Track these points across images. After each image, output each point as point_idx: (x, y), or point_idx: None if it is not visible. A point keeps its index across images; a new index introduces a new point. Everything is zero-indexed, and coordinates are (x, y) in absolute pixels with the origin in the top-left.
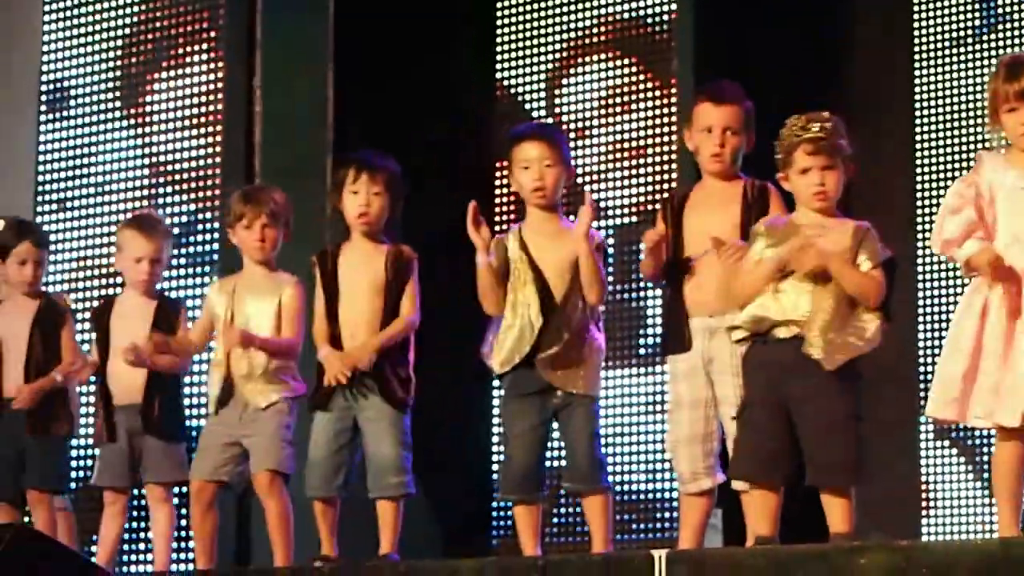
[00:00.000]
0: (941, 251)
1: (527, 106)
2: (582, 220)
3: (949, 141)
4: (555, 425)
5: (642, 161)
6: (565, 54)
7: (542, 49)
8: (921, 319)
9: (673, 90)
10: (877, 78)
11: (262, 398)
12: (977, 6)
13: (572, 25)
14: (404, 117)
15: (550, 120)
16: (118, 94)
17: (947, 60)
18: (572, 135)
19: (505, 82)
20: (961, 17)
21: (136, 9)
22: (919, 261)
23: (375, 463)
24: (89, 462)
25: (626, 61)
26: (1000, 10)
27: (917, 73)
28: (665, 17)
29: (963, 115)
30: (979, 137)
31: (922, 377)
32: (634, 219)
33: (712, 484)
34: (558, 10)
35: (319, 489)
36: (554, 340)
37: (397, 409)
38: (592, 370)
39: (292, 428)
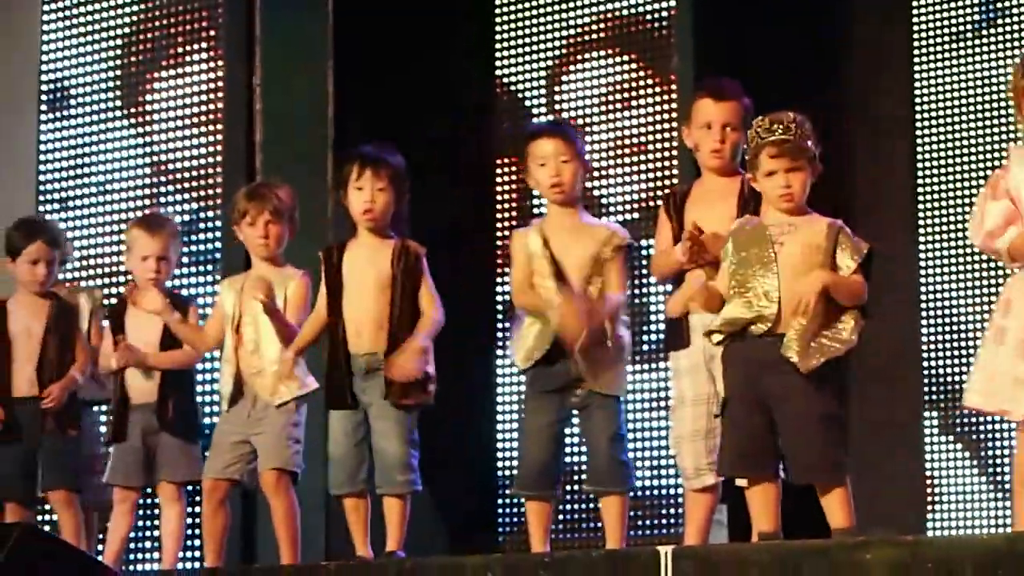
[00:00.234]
0: (983, 243)
1: (527, 103)
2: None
3: (948, 138)
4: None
5: (642, 157)
6: (565, 51)
7: (542, 46)
8: (924, 316)
9: (673, 87)
10: (876, 75)
11: (273, 394)
12: (975, 2)
13: (572, 22)
14: (404, 114)
15: (550, 117)
16: (118, 93)
17: (946, 56)
18: None
19: (505, 79)
20: (959, 13)
21: (136, 8)
22: (920, 257)
23: (382, 460)
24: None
25: (626, 58)
26: (998, 6)
27: (916, 69)
28: (665, 14)
29: (962, 111)
30: (979, 133)
31: (925, 373)
32: (635, 215)
33: (715, 480)
34: (558, 7)
35: (344, 486)
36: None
37: (397, 407)
38: (614, 369)
39: (301, 425)
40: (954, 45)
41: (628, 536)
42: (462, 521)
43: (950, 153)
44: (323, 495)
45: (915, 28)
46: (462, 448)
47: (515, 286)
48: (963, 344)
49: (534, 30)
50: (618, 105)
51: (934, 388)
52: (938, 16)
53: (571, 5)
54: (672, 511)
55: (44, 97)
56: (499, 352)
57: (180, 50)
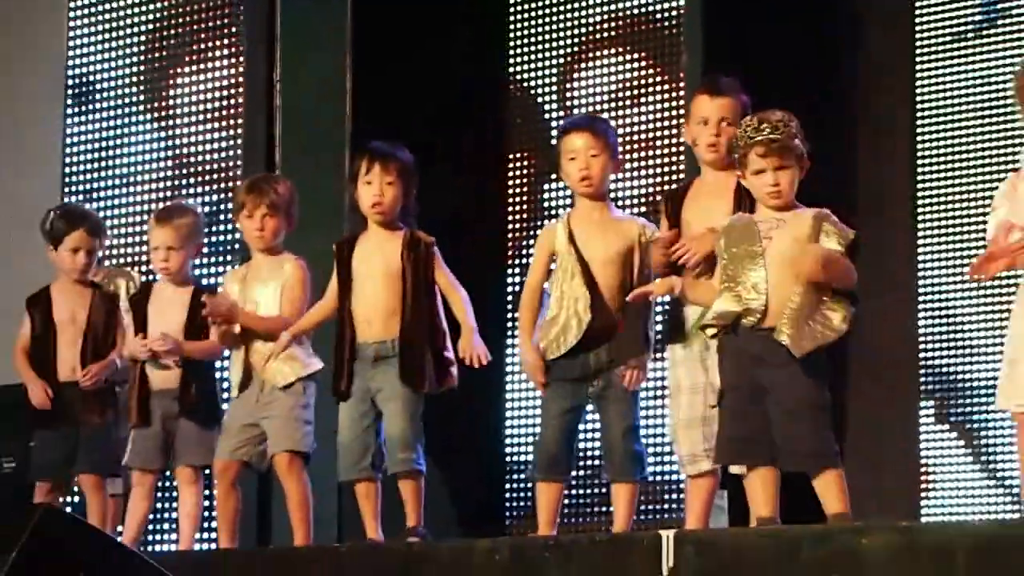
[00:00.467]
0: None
1: (539, 99)
2: None
3: (948, 136)
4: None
5: (651, 153)
6: (576, 49)
7: (554, 44)
8: (920, 308)
9: (682, 84)
10: (878, 73)
11: (280, 377)
12: (977, 1)
13: (583, 20)
14: (420, 109)
15: (561, 113)
16: (142, 88)
17: (947, 55)
18: None
19: (518, 76)
20: (961, 12)
21: (159, 6)
22: (920, 251)
23: (389, 441)
24: None
25: (635, 56)
26: (999, 6)
27: (917, 68)
28: (674, 13)
29: (964, 110)
30: (981, 132)
31: (922, 364)
32: (643, 210)
33: (711, 466)
34: (569, 5)
35: (350, 472)
36: (602, 335)
37: (412, 389)
38: (635, 363)
39: (311, 407)
40: (955, 45)
41: (633, 522)
42: (471, 507)
43: (949, 150)
44: (336, 480)
45: (917, 27)
46: (471, 436)
47: (526, 286)
48: (958, 336)
49: (546, 28)
50: (628, 102)
51: (930, 378)
52: (940, 16)
53: (582, 3)
54: (674, 496)
55: (70, 92)
56: (508, 342)
57: (202, 47)
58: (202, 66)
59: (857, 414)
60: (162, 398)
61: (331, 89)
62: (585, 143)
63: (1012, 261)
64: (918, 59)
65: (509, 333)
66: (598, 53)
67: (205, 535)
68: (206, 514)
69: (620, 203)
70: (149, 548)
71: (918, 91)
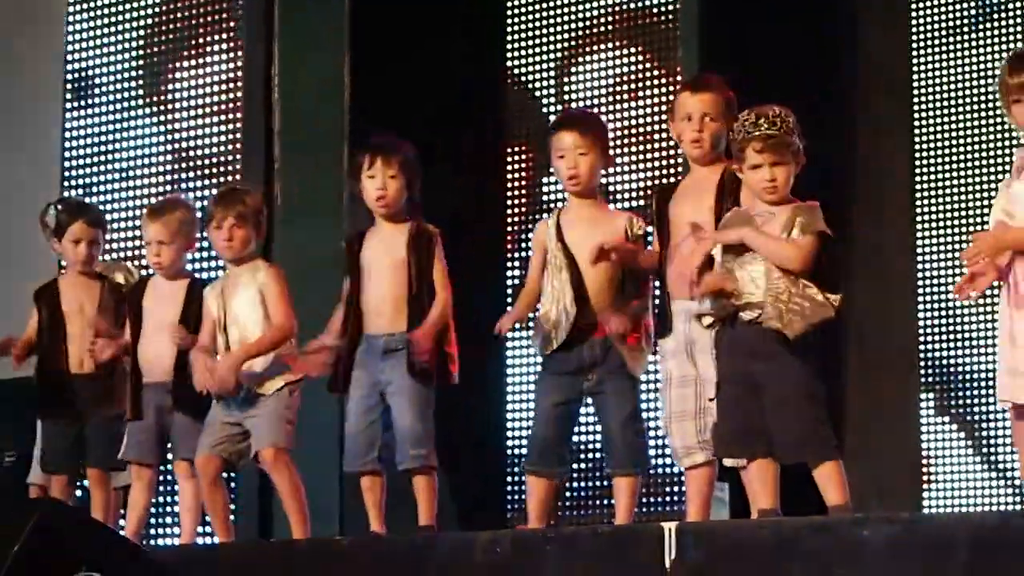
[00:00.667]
0: None
1: (537, 94)
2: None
3: (945, 130)
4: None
5: (649, 147)
6: (574, 43)
7: (552, 38)
8: (921, 302)
9: (678, 78)
10: (876, 68)
11: (267, 385)
12: None
13: (581, 15)
14: (418, 104)
15: (559, 107)
16: (141, 83)
17: (944, 50)
18: None
19: (516, 70)
20: (957, 8)
21: (158, 1)
22: (918, 247)
23: (399, 436)
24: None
25: (633, 50)
26: (994, 2)
27: (914, 63)
28: (670, 7)
29: (961, 104)
30: (978, 126)
31: (922, 357)
32: (641, 203)
33: (705, 458)
34: (567, 0)
35: (354, 464)
36: (593, 329)
37: (420, 383)
38: (636, 349)
39: (295, 408)
40: (952, 39)
41: (635, 514)
42: (472, 501)
43: (948, 145)
44: (338, 474)
45: (914, 23)
46: (473, 430)
47: (526, 280)
48: (959, 329)
49: (544, 23)
50: (625, 96)
51: (930, 371)
52: (937, 11)
53: None
54: (676, 489)
55: (69, 86)
56: (509, 335)
57: (200, 41)
58: (201, 60)
59: (858, 407)
60: (156, 391)
61: (329, 84)
62: (573, 141)
63: (996, 276)
64: (915, 54)
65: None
66: (596, 48)
67: (208, 528)
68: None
69: (618, 196)
70: (153, 542)
71: (916, 86)
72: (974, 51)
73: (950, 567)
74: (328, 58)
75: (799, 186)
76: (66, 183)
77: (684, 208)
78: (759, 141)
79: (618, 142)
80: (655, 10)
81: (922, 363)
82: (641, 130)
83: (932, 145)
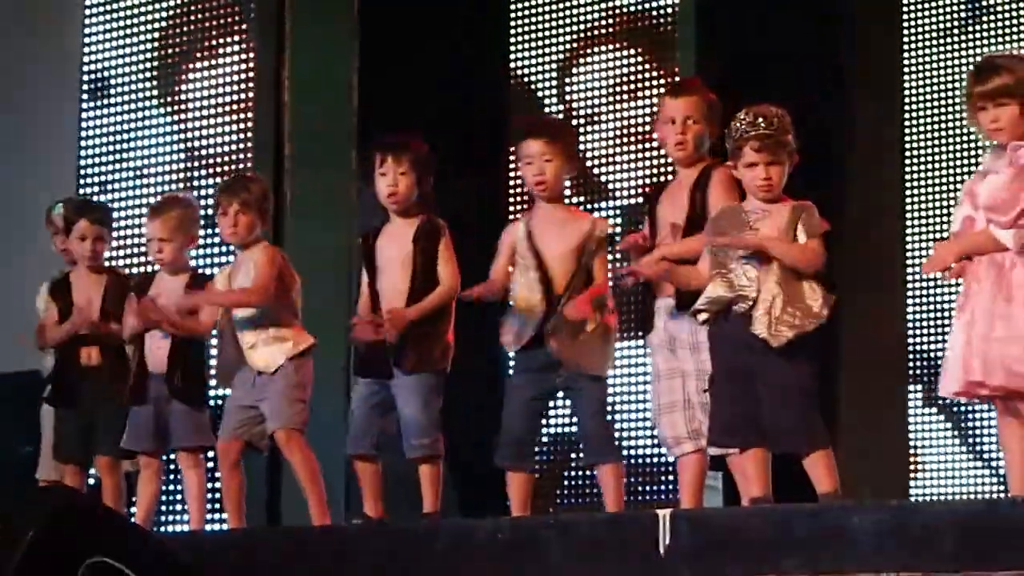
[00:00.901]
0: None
1: (540, 94)
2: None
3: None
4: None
5: (647, 145)
6: (575, 45)
7: (554, 40)
8: (909, 296)
9: (676, 79)
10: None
11: (267, 363)
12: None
13: (581, 18)
14: (424, 104)
15: (561, 107)
16: (155, 83)
17: (932, 51)
18: (582, 121)
19: (519, 72)
20: (947, 10)
21: (172, 3)
22: (908, 243)
23: (403, 426)
24: None
25: (632, 52)
26: (982, 4)
27: (904, 62)
28: (668, 10)
29: (949, 104)
30: (965, 125)
31: (910, 350)
32: (639, 199)
33: (694, 447)
34: (568, 3)
35: (353, 447)
36: (558, 325)
37: (427, 373)
38: (598, 350)
39: (305, 385)
40: (941, 41)
41: (630, 502)
42: (473, 488)
43: (936, 144)
44: (343, 457)
45: (904, 24)
46: (473, 418)
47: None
48: (945, 323)
49: (546, 26)
50: (625, 96)
51: (918, 363)
52: (925, 13)
53: (581, 1)
54: (671, 478)
55: (85, 86)
56: None
57: (213, 43)
58: (213, 62)
59: (848, 398)
60: (156, 381)
61: (338, 85)
62: (540, 148)
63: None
64: (905, 55)
65: None
66: (596, 49)
67: (218, 515)
68: (215, 495)
69: (618, 194)
70: (163, 529)
71: (905, 85)
72: (962, 52)
73: (938, 553)
74: (336, 60)
75: (794, 181)
76: (82, 180)
77: (665, 208)
78: (756, 140)
79: (617, 141)
80: (654, 13)
81: (910, 355)
82: (640, 129)
83: (921, 143)
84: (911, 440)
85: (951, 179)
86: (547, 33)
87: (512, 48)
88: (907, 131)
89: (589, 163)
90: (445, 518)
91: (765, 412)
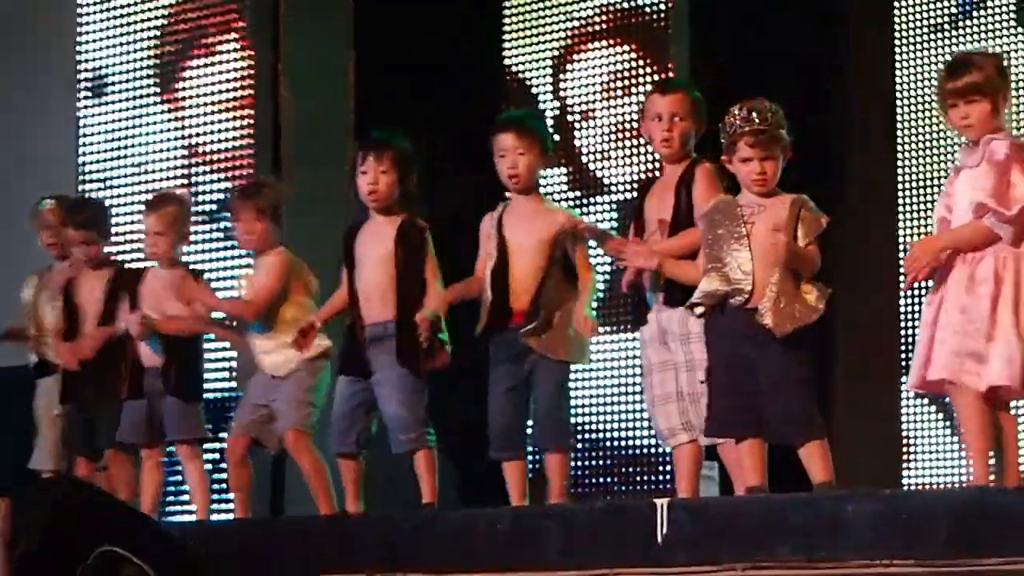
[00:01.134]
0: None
1: (534, 90)
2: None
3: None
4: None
5: (641, 141)
6: (569, 41)
7: (548, 36)
8: (901, 286)
9: (670, 75)
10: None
11: (281, 367)
12: None
13: (576, 13)
14: (420, 100)
15: (556, 103)
16: (154, 80)
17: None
18: (576, 117)
19: (514, 67)
20: (939, 5)
21: (169, 1)
22: (900, 236)
23: (388, 423)
24: None
25: (626, 48)
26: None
27: (897, 58)
28: (662, 6)
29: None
30: None
31: (902, 340)
32: (633, 194)
33: (688, 437)
34: (562, 0)
35: (335, 445)
36: (524, 313)
37: (406, 370)
38: (560, 336)
39: (316, 389)
40: (933, 36)
41: (628, 491)
42: (472, 479)
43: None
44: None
45: (896, 19)
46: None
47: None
48: None
49: (541, 21)
50: (619, 92)
51: (910, 353)
52: (918, 8)
53: None
54: (668, 468)
55: (85, 84)
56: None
57: (210, 40)
58: (211, 59)
59: (842, 389)
60: (149, 375)
61: (334, 82)
62: (512, 142)
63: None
64: (897, 50)
65: None
66: (590, 45)
67: (223, 505)
68: (221, 486)
69: (610, 189)
70: (169, 519)
71: (898, 80)
72: (954, 47)
73: (931, 540)
74: (333, 57)
75: (789, 176)
76: (82, 177)
77: (654, 205)
78: (751, 135)
79: (611, 137)
80: (647, 9)
81: (902, 347)
82: (633, 124)
83: (913, 138)
84: (904, 430)
85: (944, 174)
86: (542, 29)
87: (507, 44)
88: (899, 127)
89: (584, 158)
90: (445, 508)
91: (765, 402)
